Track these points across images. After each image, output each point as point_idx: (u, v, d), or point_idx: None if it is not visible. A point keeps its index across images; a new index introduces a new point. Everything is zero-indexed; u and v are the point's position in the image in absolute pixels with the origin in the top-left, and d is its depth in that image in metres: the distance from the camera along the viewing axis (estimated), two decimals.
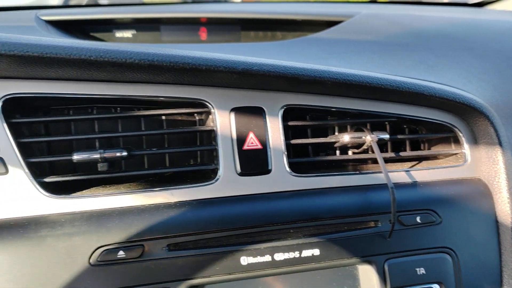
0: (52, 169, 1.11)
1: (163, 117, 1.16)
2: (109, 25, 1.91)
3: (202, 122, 1.18)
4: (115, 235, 0.94)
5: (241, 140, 1.06)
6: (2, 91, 0.98)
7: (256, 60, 1.02)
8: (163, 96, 1.05)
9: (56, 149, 1.13)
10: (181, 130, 1.09)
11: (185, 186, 1.02)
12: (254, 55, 1.06)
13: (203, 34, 1.98)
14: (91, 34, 1.89)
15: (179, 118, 1.18)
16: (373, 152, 1.16)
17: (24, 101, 1.04)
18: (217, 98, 1.07)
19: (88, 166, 1.14)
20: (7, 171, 0.96)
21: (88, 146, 1.14)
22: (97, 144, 1.13)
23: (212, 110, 1.06)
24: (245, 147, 1.06)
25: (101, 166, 1.00)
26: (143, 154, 1.09)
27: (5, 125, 0.97)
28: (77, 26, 1.81)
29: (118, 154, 1.00)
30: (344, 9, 1.99)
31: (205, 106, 1.08)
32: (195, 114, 1.18)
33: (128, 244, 0.95)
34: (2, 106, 0.98)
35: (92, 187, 1.06)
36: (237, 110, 1.07)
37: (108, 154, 0.99)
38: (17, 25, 1.71)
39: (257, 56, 1.03)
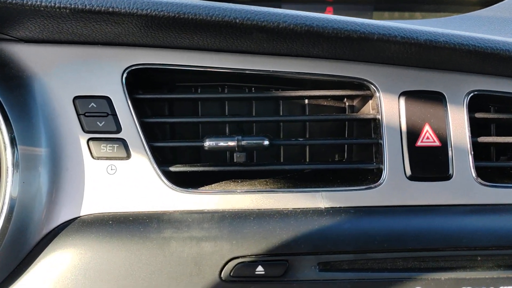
0: (174, 157, 0.93)
1: (306, 101, 0.93)
2: None
3: (353, 109, 0.93)
4: (253, 245, 0.73)
5: (413, 134, 0.81)
6: (126, 61, 0.81)
7: (443, 31, 0.76)
8: (315, 73, 0.83)
9: (180, 133, 0.95)
10: (340, 117, 0.88)
11: (339, 188, 0.79)
12: None
13: (329, 14, 1.74)
14: None
15: (324, 103, 0.95)
16: None
17: (147, 74, 0.86)
18: (382, 78, 0.83)
19: (215, 156, 0.95)
20: (129, 156, 0.79)
21: (215, 131, 0.95)
22: (227, 130, 0.93)
23: (377, 94, 0.81)
24: (419, 143, 0.80)
25: (238, 157, 0.79)
26: (286, 144, 0.87)
27: (128, 101, 0.79)
28: None
29: (259, 142, 0.78)
30: None
31: (364, 88, 0.84)
32: (345, 99, 0.94)
33: (268, 258, 0.74)
34: (126, 78, 0.80)
35: (218, 181, 0.86)
36: (408, 95, 0.82)
37: (247, 142, 0.78)
38: None
39: None
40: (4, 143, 0.74)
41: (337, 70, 0.84)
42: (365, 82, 0.83)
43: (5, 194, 0.72)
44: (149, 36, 0.78)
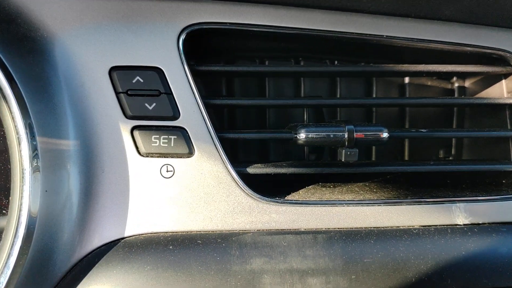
0: (234, 155, 0.70)
1: (406, 80, 0.70)
2: None
3: (464, 91, 0.71)
4: (380, 280, 0.53)
5: None
6: (185, 18, 0.58)
7: None
8: (444, 41, 0.60)
9: (240, 120, 0.72)
10: (472, 101, 0.66)
11: (481, 198, 0.57)
12: None
13: None
14: None
15: (428, 83, 0.73)
16: None
17: (204, 39, 0.62)
18: None
19: (288, 151, 0.72)
20: (191, 152, 0.55)
21: (288, 118, 0.72)
22: (305, 117, 0.70)
23: None
24: None
25: (348, 154, 0.56)
26: (407, 136, 0.65)
27: (188, 74, 0.55)
28: None
29: (376, 134, 0.56)
30: None
31: (503, 63, 0.61)
32: (454, 79, 0.71)
33: None
34: (184, 42, 0.56)
35: (294, 186, 0.63)
36: None
37: (364, 135, 0.55)
38: None
39: None
40: (17, 133, 0.49)
41: (471, 39, 0.62)
42: (508, 55, 0.61)
43: (19, 211, 0.48)
44: None
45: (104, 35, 0.58)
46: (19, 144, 0.49)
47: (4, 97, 0.49)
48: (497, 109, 0.66)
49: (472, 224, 0.59)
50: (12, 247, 0.49)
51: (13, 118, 0.49)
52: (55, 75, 0.56)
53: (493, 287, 0.54)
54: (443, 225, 0.58)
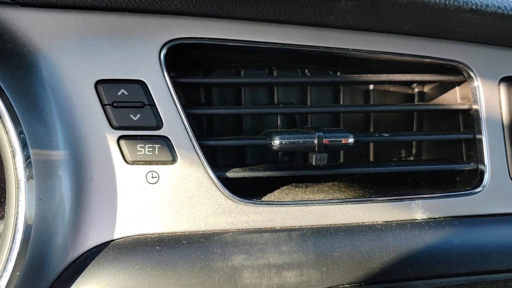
0: (213, 160, 0.75)
1: (371, 87, 0.77)
2: None
3: (423, 97, 0.79)
4: (349, 271, 0.58)
5: None
6: (165, 34, 0.62)
7: None
8: (404, 53, 0.66)
9: (220, 127, 0.76)
10: (431, 107, 0.72)
11: (437, 195, 0.65)
12: None
13: None
14: None
15: (391, 89, 0.79)
16: None
17: (184, 52, 0.67)
18: (480, 61, 0.69)
19: (263, 155, 0.77)
20: (174, 159, 0.60)
21: (263, 125, 0.77)
22: (279, 123, 0.76)
23: (474, 80, 0.67)
24: None
25: (318, 158, 0.62)
26: (371, 141, 0.71)
27: (170, 86, 0.60)
28: None
29: (342, 140, 0.62)
30: None
31: (455, 72, 0.69)
32: (414, 85, 0.79)
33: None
34: (165, 56, 0.60)
35: (269, 187, 0.69)
36: (511, 82, 0.68)
37: (331, 141, 0.61)
38: None
39: None
40: (11, 146, 0.52)
41: (428, 51, 0.68)
42: (460, 66, 0.68)
43: (16, 219, 0.51)
44: (200, 1, 0.59)
45: (89, 50, 0.61)
46: (14, 156, 0.53)
47: None
48: (451, 113, 0.73)
49: (429, 218, 0.65)
50: (10, 252, 0.52)
51: (6, 132, 0.53)
52: (43, 89, 0.59)
53: (446, 274, 0.61)
54: (403, 220, 0.65)
